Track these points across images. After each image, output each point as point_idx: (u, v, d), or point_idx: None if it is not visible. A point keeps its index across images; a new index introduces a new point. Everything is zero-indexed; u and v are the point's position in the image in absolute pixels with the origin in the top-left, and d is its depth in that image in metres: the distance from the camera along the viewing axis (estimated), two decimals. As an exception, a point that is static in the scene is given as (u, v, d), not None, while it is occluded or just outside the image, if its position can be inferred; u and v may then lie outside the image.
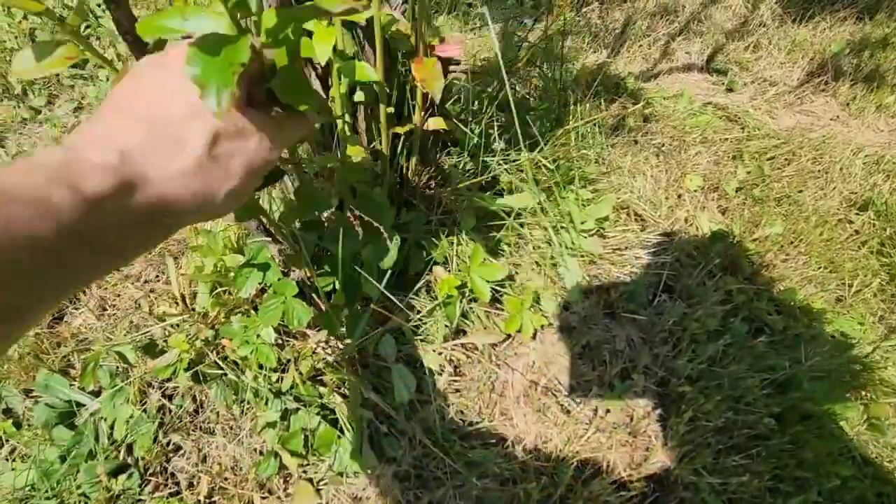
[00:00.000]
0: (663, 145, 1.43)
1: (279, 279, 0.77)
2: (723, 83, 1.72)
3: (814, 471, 0.86)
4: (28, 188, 0.23)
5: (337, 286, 0.78)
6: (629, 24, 1.86)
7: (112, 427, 0.87)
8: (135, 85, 0.30)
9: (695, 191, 1.33)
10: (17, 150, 1.32)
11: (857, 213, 1.31)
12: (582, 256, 1.01)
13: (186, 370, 0.83)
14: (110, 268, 0.29)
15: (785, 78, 1.76)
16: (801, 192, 1.35)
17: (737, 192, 1.34)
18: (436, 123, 0.78)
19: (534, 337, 0.94)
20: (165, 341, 0.91)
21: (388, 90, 0.73)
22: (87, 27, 1.69)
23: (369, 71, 0.62)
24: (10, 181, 0.23)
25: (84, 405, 0.89)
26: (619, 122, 1.39)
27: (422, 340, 0.87)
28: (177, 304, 0.94)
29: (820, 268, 1.18)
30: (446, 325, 0.86)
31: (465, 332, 0.92)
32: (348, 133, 0.78)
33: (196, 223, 0.30)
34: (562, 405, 0.92)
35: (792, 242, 1.22)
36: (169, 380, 0.87)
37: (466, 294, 0.87)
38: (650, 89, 1.63)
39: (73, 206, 0.23)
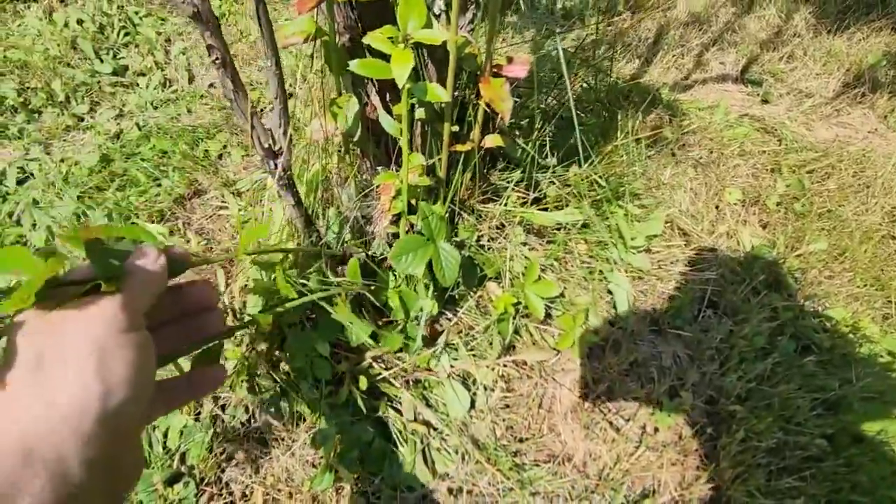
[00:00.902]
0: (701, 158, 1.42)
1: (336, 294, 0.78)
2: (758, 94, 1.71)
3: (869, 495, 0.85)
4: None
5: (394, 303, 0.79)
6: (662, 34, 1.85)
7: (166, 435, 0.88)
8: None
9: (735, 204, 1.32)
10: (62, 157, 1.34)
11: (901, 229, 1.30)
12: (629, 272, 1.01)
13: (242, 383, 0.84)
14: None
15: (821, 89, 1.74)
16: (842, 206, 1.34)
17: (777, 206, 1.33)
18: (493, 141, 0.79)
19: (582, 353, 0.94)
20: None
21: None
22: (126, 34, 1.71)
23: (440, 92, 0.62)
24: None
25: (136, 413, 0.90)
26: (657, 135, 1.38)
27: (474, 356, 0.87)
28: (227, 315, 0.95)
29: (865, 285, 1.17)
30: (500, 341, 0.86)
31: (514, 347, 0.92)
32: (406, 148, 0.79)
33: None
34: (610, 422, 0.91)
35: (836, 259, 1.21)
36: (224, 392, 0.88)
37: (520, 311, 0.87)
38: (685, 100, 1.62)
39: None
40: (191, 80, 1.63)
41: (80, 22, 1.71)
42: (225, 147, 1.38)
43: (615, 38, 1.71)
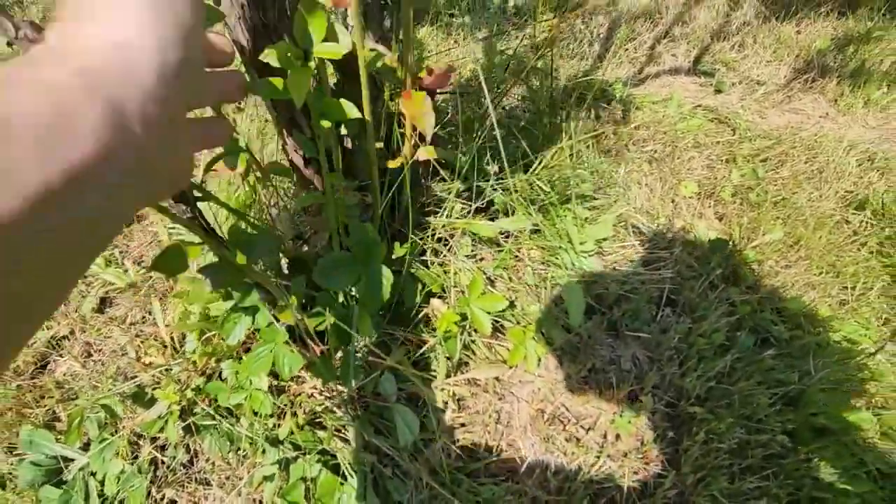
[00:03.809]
0: (655, 152, 1.41)
1: (269, 324, 0.74)
2: (711, 84, 1.71)
3: (831, 490, 0.84)
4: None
5: (329, 327, 0.75)
6: (613, 28, 1.84)
7: (102, 483, 0.83)
8: None
9: (690, 197, 1.31)
10: None
11: (854, 213, 1.30)
12: (582, 277, 0.99)
13: (178, 422, 0.79)
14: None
15: (772, 76, 1.75)
16: (795, 193, 1.34)
17: (732, 197, 1.32)
18: (427, 153, 0.75)
19: (538, 364, 0.91)
20: (155, 388, 0.88)
21: (374, 124, 0.70)
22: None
23: (352, 110, 0.59)
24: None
25: (72, 460, 0.85)
26: (609, 133, 1.36)
27: (423, 377, 0.83)
28: (164, 348, 0.90)
29: (821, 272, 1.17)
30: (447, 359, 0.83)
31: (467, 364, 0.89)
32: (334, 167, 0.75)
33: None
34: (570, 433, 0.89)
35: (792, 247, 1.21)
36: (160, 431, 0.83)
37: (467, 327, 0.84)
38: (638, 95, 1.61)
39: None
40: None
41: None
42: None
43: (563, 34, 1.70)
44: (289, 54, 0.51)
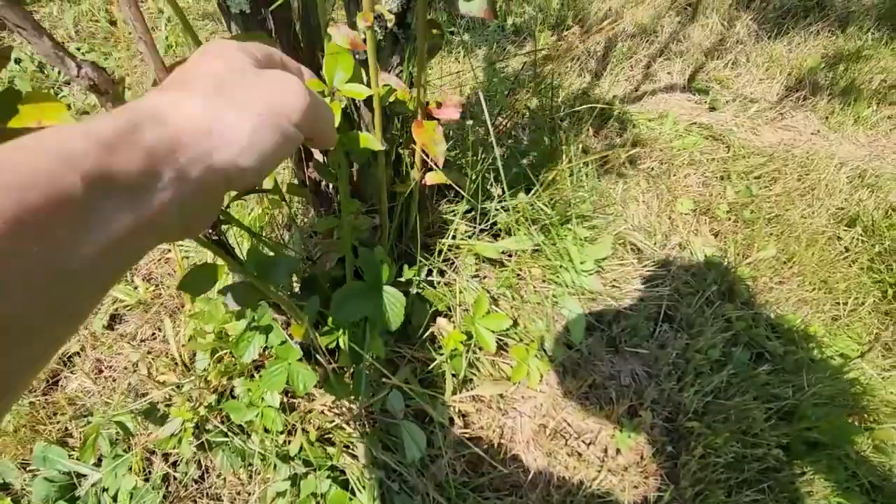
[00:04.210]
0: (652, 170, 1.45)
1: (282, 342, 0.76)
2: (705, 102, 1.75)
3: (825, 502, 0.87)
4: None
5: (342, 346, 0.77)
6: (610, 47, 1.88)
7: (115, 499, 0.85)
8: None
9: (686, 214, 1.35)
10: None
11: (846, 230, 1.34)
12: (582, 295, 1.02)
13: (190, 438, 0.81)
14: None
15: (765, 94, 1.79)
16: (788, 210, 1.37)
17: (727, 213, 1.36)
18: (434, 178, 0.78)
19: (540, 380, 0.94)
20: (168, 406, 0.90)
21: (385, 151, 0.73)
22: (68, 72, 1.66)
23: (373, 142, 0.61)
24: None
25: (85, 476, 0.87)
26: (607, 151, 1.40)
27: (430, 394, 0.86)
28: (176, 366, 0.93)
29: (814, 288, 1.20)
30: (453, 377, 0.86)
31: (471, 381, 0.91)
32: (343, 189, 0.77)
33: (231, 185, 0.30)
34: (572, 448, 0.91)
35: (785, 263, 1.24)
36: (173, 448, 0.85)
37: (472, 345, 0.87)
38: (635, 112, 1.64)
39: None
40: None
41: (17, 61, 1.66)
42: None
43: (564, 53, 1.74)
44: (321, 90, 0.54)
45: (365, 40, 0.53)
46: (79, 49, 1.76)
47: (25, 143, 0.20)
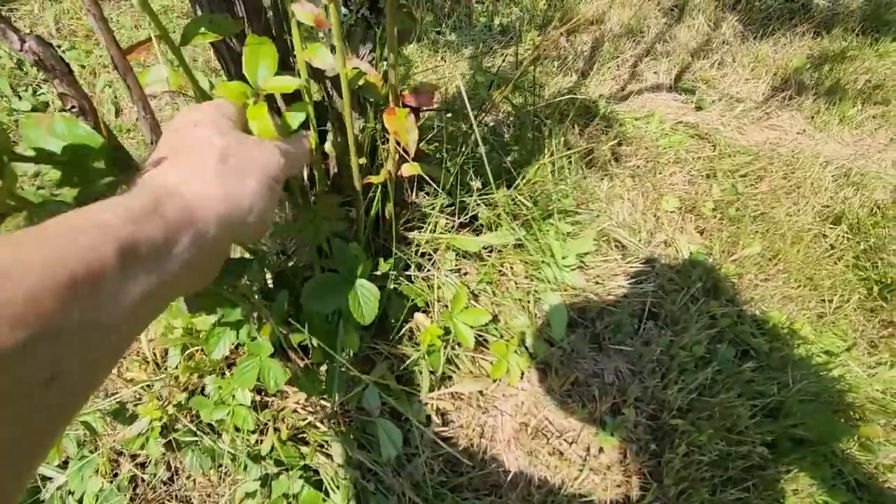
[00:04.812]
0: (638, 167, 1.44)
1: (253, 339, 0.74)
2: (691, 101, 1.75)
3: (812, 500, 0.85)
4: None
5: (314, 342, 0.75)
6: (597, 47, 1.88)
7: (81, 502, 0.82)
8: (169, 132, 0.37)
9: (672, 212, 1.34)
10: None
11: (831, 227, 1.33)
12: (565, 290, 1.00)
13: (158, 438, 0.79)
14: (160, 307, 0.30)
15: (751, 94, 1.80)
16: (774, 208, 1.37)
17: (713, 211, 1.35)
18: (410, 169, 0.76)
19: (521, 377, 0.92)
20: (136, 404, 0.87)
21: (359, 140, 0.71)
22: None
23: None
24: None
25: (50, 479, 0.84)
26: (593, 148, 1.39)
27: (406, 391, 0.84)
28: (147, 363, 0.90)
29: (800, 285, 1.19)
30: (431, 373, 0.84)
31: (450, 378, 0.89)
32: (320, 183, 0.76)
33: (238, 240, 0.37)
34: (553, 447, 0.89)
35: (771, 261, 1.23)
36: (141, 448, 0.82)
37: (450, 341, 0.85)
38: (621, 111, 1.64)
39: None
40: (118, 113, 1.57)
41: None
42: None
43: (545, 53, 1.73)
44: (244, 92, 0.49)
45: (328, 17, 0.51)
46: (59, 46, 1.73)
47: (72, 218, 0.24)
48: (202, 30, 0.55)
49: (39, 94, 1.57)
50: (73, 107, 0.47)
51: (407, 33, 0.64)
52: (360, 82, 0.61)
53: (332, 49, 0.60)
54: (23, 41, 0.42)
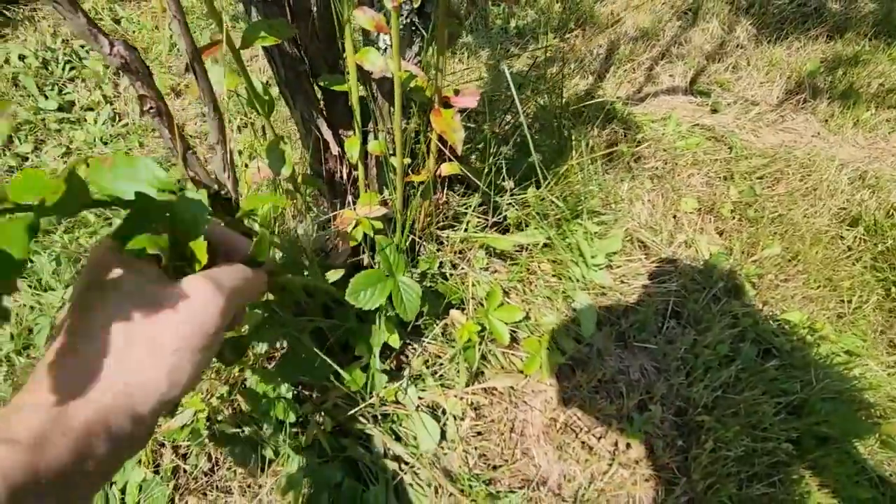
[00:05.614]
0: (656, 169, 1.46)
1: (295, 336, 0.76)
2: (707, 104, 1.76)
3: (836, 496, 0.87)
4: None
5: (355, 339, 0.77)
6: (613, 49, 1.90)
7: (123, 491, 0.84)
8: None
9: (691, 213, 1.36)
10: (5, 200, 1.28)
11: (848, 229, 1.35)
12: (593, 289, 1.02)
13: (202, 430, 0.81)
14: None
15: (765, 97, 1.81)
16: (791, 210, 1.38)
17: (731, 213, 1.37)
18: (449, 169, 0.79)
19: (551, 374, 0.94)
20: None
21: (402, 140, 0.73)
22: (72, 69, 1.66)
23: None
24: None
25: (91, 469, 0.86)
26: (613, 151, 1.41)
27: (442, 386, 0.86)
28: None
29: (819, 286, 1.21)
30: (467, 368, 0.86)
31: (483, 374, 0.91)
32: (362, 182, 0.78)
33: (162, 409, 0.30)
34: (583, 441, 0.91)
35: (790, 262, 1.25)
36: (185, 440, 0.84)
37: (486, 337, 0.87)
38: (638, 114, 1.66)
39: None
40: (142, 112, 1.59)
41: (21, 58, 1.65)
42: (179, 181, 1.35)
43: (567, 55, 1.75)
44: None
45: (389, 23, 0.53)
46: (82, 46, 1.76)
47: None
48: (262, 34, 0.57)
49: (66, 94, 1.59)
50: (150, 108, 0.49)
51: (454, 37, 0.66)
52: (411, 84, 0.63)
53: (383, 52, 0.62)
54: (112, 45, 0.44)
